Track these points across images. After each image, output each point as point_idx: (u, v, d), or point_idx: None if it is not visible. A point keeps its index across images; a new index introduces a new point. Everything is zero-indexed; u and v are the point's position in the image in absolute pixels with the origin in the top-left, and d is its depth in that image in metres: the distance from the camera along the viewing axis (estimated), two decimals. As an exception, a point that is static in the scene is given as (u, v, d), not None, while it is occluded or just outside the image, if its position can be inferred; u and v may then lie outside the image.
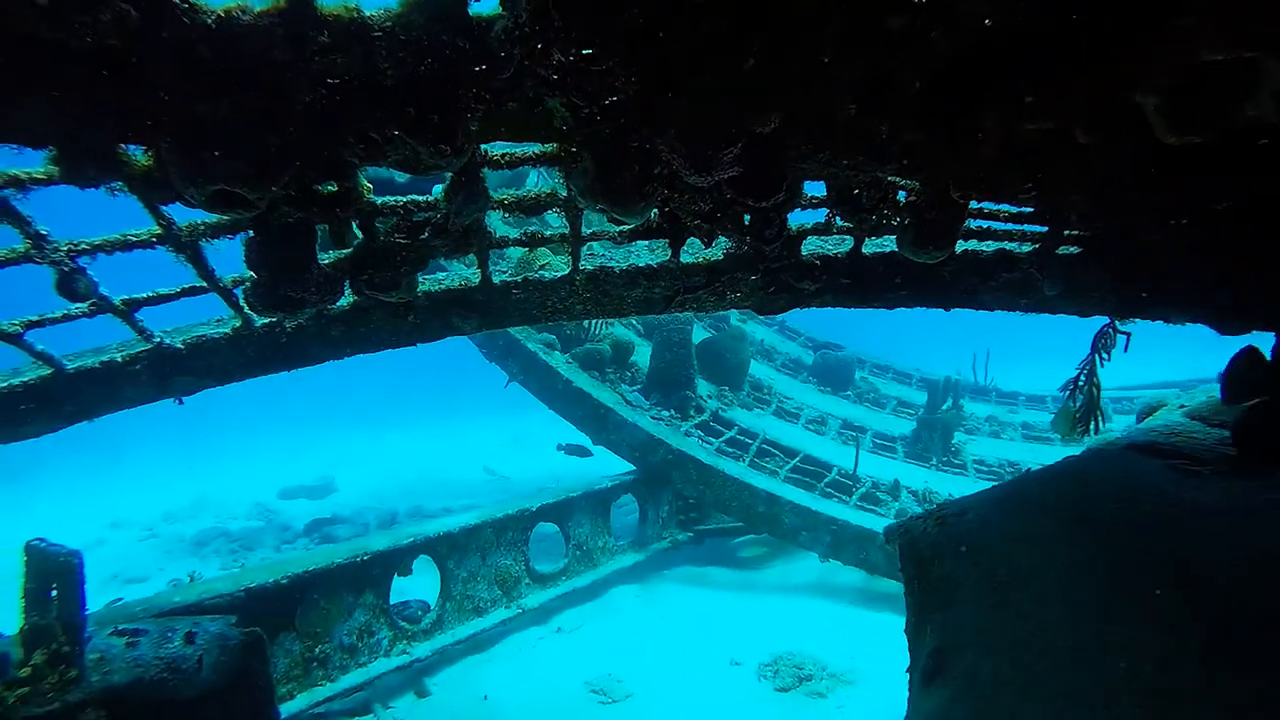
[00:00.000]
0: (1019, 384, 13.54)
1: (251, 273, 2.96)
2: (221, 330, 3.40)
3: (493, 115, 2.38)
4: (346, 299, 3.40)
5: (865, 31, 2.01)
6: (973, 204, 3.09)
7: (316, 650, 4.99)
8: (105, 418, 3.57)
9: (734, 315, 12.57)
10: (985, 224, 3.23)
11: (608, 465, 8.34)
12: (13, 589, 3.12)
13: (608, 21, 2.00)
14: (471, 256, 3.40)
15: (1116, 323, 3.41)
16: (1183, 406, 3.54)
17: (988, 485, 8.80)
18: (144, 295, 3.05)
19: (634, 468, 7.99)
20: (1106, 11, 1.85)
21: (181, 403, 3.52)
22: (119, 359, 3.25)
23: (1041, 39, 2.03)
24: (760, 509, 7.36)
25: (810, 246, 3.48)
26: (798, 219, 3.26)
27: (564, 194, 2.96)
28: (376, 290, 3.11)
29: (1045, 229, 3.08)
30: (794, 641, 5.84)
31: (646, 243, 3.65)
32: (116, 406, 3.38)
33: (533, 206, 2.97)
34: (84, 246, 2.67)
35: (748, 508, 7.42)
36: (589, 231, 3.23)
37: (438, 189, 2.93)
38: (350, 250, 3.02)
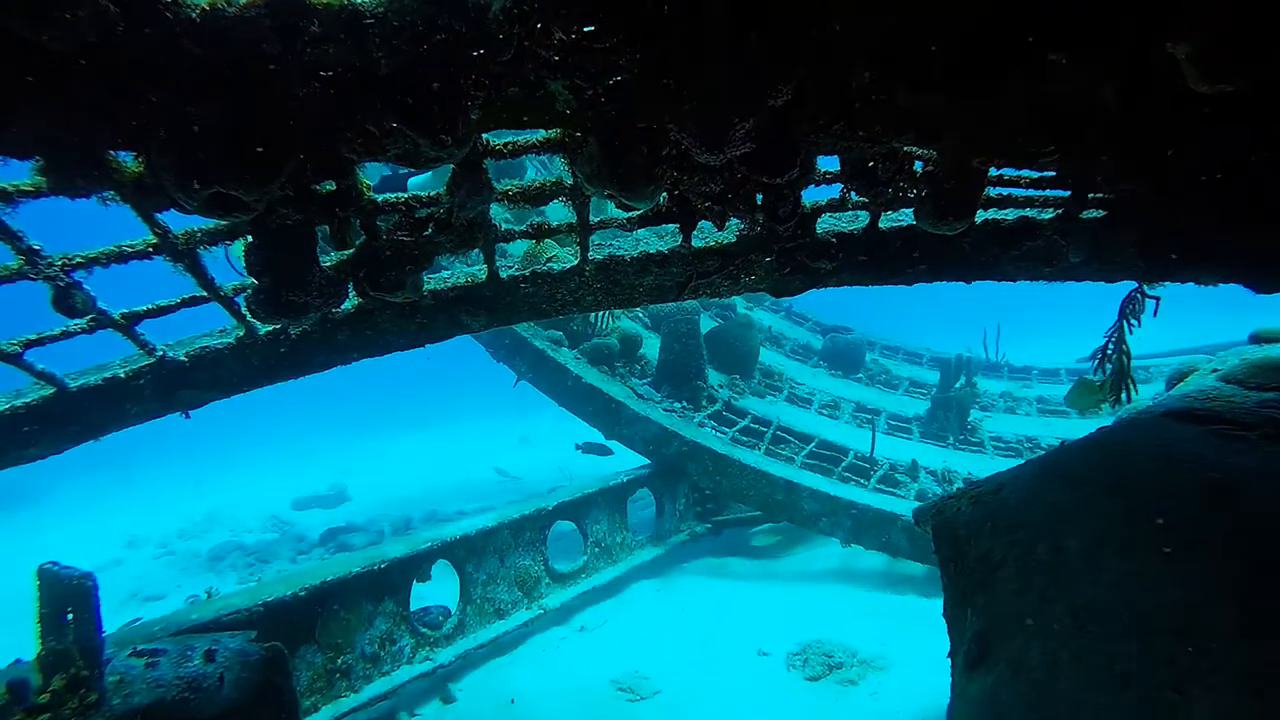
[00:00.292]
0: (1028, 359, 13.41)
1: (252, 279, 2.88)
2: (225, 340, 3.32)
3: (493, 102, 2.29)
4: (351, 302, 3.32)
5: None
6: (991, 171, 3.00)
7: (339, 661, 4.92)
8: (112, 436, 3.50)
9: (740, 303, 12.47)
10: (1005, 191, 3.12)
11: (621, 460, 8.27)
12: (30, 613, 3.06)
13: (611, -8, 1.90)
14: (475, 255, 3.31)
15: (1144, 287, 3.30)
16: (1215, 371, 3.43)
17: (1007, 462, 8.72)
18: (144, 308, 2.97)
19: (648, 461, 7.91)
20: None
21: (188, 417, 3.44)
22: (122, 375, 3.17)
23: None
24: (779, 497, 7.27)
25: (824, 225, 3.38)
26: (811, 196, 3.17)
27: (570, 181, 2.86)
28: (381, 291, 3.02)
29: (1069, 193, 2.97)
30: (821, 629, 5.76)
31: (654, 230, 3.57)
32: (122, 424, 3.31)
33: (538, 196, 2.88)
34: (78, 260, 2.59)
35: (766, 496, 7.34)
36: (596, 220, 3.14)
37: (415, 181, 2.84)
38: (352, 251, 2.93)
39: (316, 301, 2.88)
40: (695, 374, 8.69)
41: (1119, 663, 1.89)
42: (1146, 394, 4.20)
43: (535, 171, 8.59)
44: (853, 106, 2.50)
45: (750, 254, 3.30)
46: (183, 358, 3.24)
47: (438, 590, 6.24)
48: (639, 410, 7.79)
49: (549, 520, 6.64)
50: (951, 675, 2.83)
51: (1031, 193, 3.05)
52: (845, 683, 4.95)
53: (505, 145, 2.68)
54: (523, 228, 3.10)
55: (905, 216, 3.41)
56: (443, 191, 2.80)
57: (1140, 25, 2.03)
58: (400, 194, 2.84)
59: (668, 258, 3.28)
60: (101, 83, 1.87)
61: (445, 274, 3.45)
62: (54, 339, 2.92)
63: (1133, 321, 3.36)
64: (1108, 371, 3.54)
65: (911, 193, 3.02)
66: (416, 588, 5.52)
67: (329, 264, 2.92)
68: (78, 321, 2.84)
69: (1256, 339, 3.61)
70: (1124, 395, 3.48)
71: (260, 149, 2.17)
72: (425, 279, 3.29)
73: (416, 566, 5.51)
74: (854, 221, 3.45)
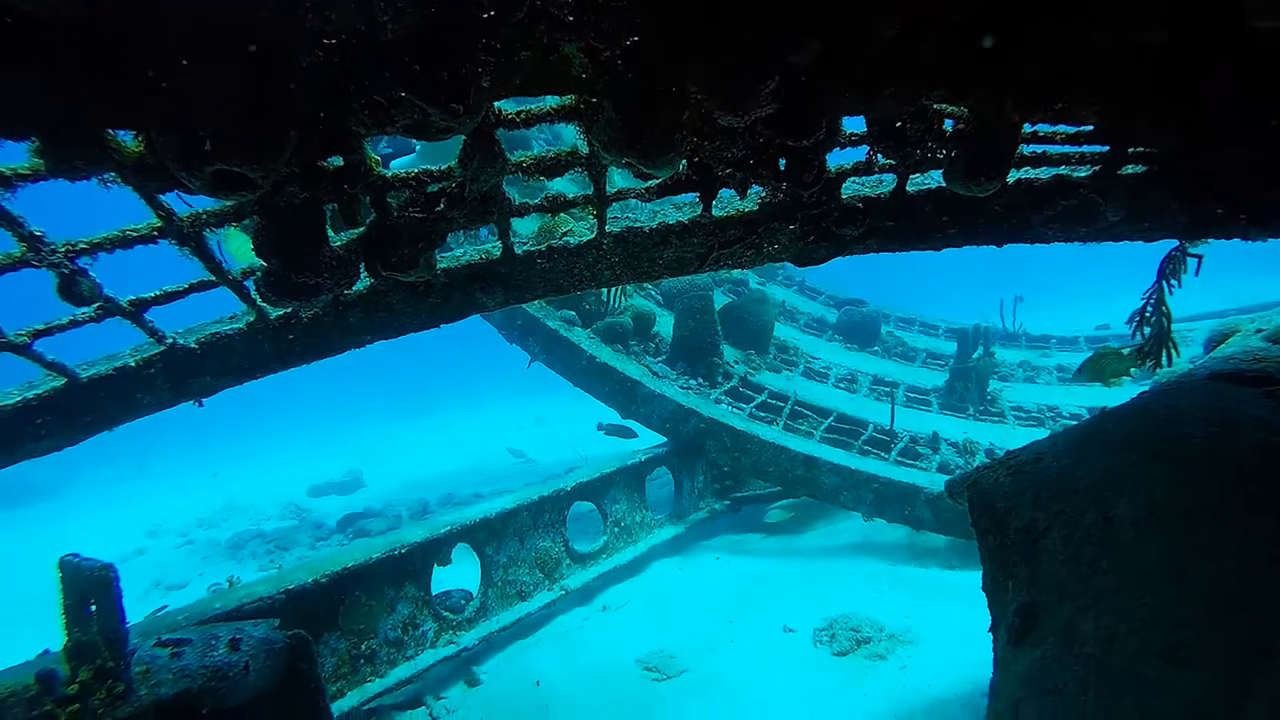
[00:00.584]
0: (1044, 328, 13.22)
1: (261, 261, 2.80)
2: (236, 326, 3.25)
3: (505, 68, 2.18)
4: (362, 283, 3.24)
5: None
6: (1024, 129, 2.86)
7: (362, 647, 4.91)
8: (128, 427, 3.45)
9: (752, 278, 12.33)
10: (1039, 149, 2.99)
11: (638, 440, 8.21)
12: (55, 604, 3.03)
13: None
14: (483, 235, 3.23)
15: (1185, 245, 3.17)
16: (1259, 331, 3.30)
17: (1029, 432, 8.60)
18: (152, 294, 2.90)
19: (665, 440, 7.84)
20: None
21: (201, 405, 3.38)
22: (133, 364, 3.11)
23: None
24: (799, 472, 7.19)
25: (849, 190, 3.26)
26: (835, 160, 3.04)
27: (585, 151, 2.75)
28: (394, 270, 2.93)
29: (1108, 148, 2.84)
30: (846, 604, 5.70)
31: (672, 201, 3.46)
32: (135, 414, 3.25)
33: (553, 167, 2.77)
34: (82, 246, 2.51)
35: (785, 472, 7.26)
36: (613, 191, 3.03)
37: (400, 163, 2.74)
38: (363, 229, 2.84)
39: (328, 283, 2.80)
40: (710, 350, 8.59)
41: (1183, 635, 1.80)
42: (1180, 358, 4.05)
43: (538, 147, 8.44)
44: (881, 62, 2.38)
45: (773, 222, 3.19)
46: (193, 345, 3.17)
47: (458, 574, 6.22)
48: (655, 388, 7.71)
49: (568, 501, 6.60)
50: (994, 649, 2.75)
51: (1068, 149, 2.92)
52: (874, 657, 4.89)
53: (518, 114, 2.57)
54: (537, 201, 3.00)
55: (933, 179, 3.29)
56: (454, 165, 2.71)
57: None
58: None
59: (688, 228, 3.17)
60: (90, 55, 1.77)
61: (457, 252, 3.36)
62: (62, 328, 2.85)
63: (1173, 282, 3.23)
64: (1145, 335, 3.41)
65: (941, 153, 2.89)
66: (437, 572, 5.49)
67: (339, 243, 2.84)
68: (85, 310, 2.77)
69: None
70: (1164, 359, 3.36)
71: (263, 123, 2.07)
72: (438, 258, 3.20)
73: (437, 550, 5.48)
74: (879, 186, 3.33)
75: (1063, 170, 3.04)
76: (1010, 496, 2.78)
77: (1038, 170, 3.08)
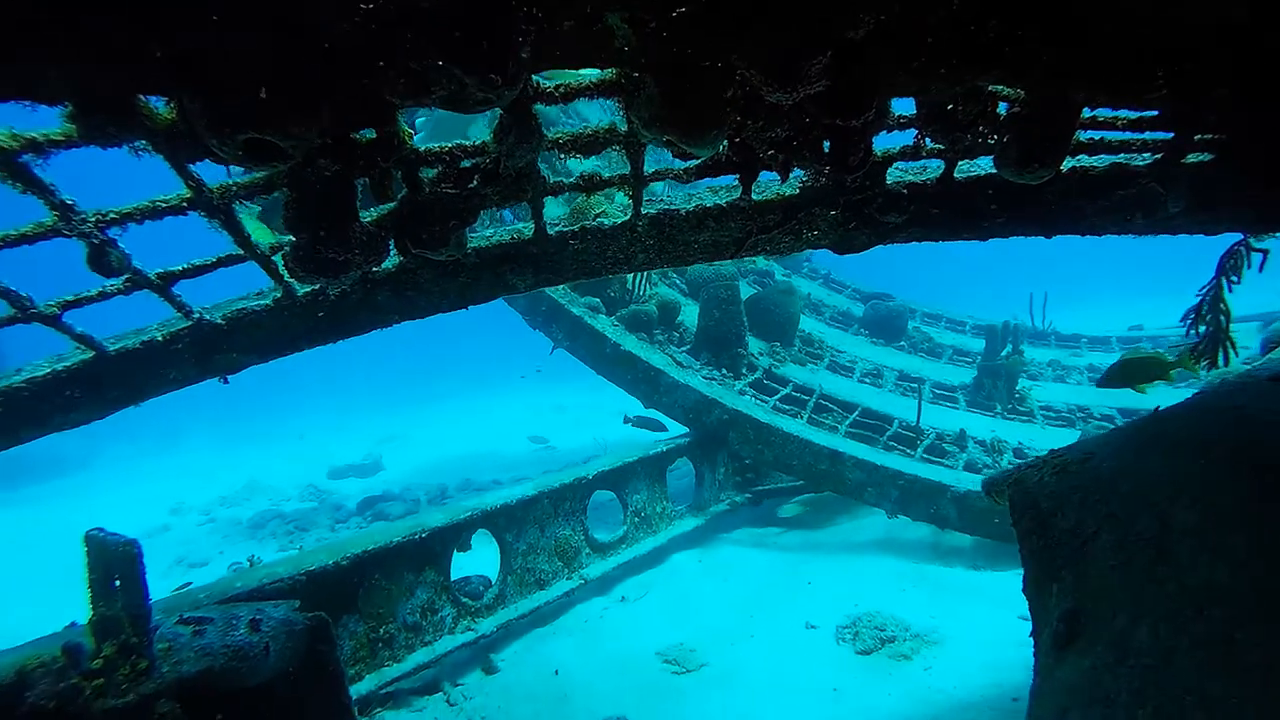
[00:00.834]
0: (1075, 328, 12.95)
1: (290, 235, 2.75)
2: (263, 302, 3.21)
3: (545, 38, 2.09)
4: (391, 260, 3.18)
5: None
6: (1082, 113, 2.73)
7: (381, 631, 4.89)
8: (153, 404, 3.43)
9: (778, 269, 12.19)
10: (1096, 135, 2.86)
11: (664, 432, 8.13)
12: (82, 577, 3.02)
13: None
14: (506, 216, 3.14)
15: (1250, 239, 3.02)
16: (1322, 331, 3.15)
17: (1059, 431, 8.42)
18: (180, 268, 2.86)
19: (687, 430, 7.75)
20: None
21: (226, 382, 3.35)
22: (160, 338, 3.08)
23: None
24: (823, 467, 7.08)
25: (892, 176, 3.14)
26: (881, 144, 2.93)
27: (624, 129, 2.67)
28: (424, 248, 2.86)
29: (1172, 134, 2.70)
30: (869, 601, 5.60)
31: (709, 185, 3.37)
32: (161, 389, 3.22)
33: (590, 144, 2.69)
34: (112, 216, 2.46)
35: (809, 466, 7.15)
36: (650, 171, 2.94)
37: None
38: (394, 205, 2.78)
39: (357, 259, 2.74)
40: (735, 341, 8.48)
41: (1257, 655, 1.69)
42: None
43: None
44: (939, 39, 2.27)
45: (814, 207, 3.08)
46: (220, 320, 3.14)
47: (477, 560, 6.20)
48: (678, 378, 7.62)
49: (589, 489, 6.54)
50: (1035, 654, 2.64)
51: (1128, 135, 2.78)
52: (898, 657, 4.79)
53: (556, 88, 2.49)
54: (573, 179, 2.91)
55: (980, 166, 3.16)
56: (489, 140, 2.63)
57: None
58: None
59: (726, 212, 3.08)
60: (123, 17, 1.71)
61: (487, 232, 3.29)
62: (91, 300, 2.82)
63: (1233, 278, 3.09)
64: (1201, 333, 3.27)
65: (992, 138, 2.77)
66: (456, 557, 5.46)
67: (369, 219, 2.78)
68: (114, 282, 2.74)
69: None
70: (1220, 359, 3.22)
71: (297, 91, 2.01)
72: (468, 236, 3.14)
73: (457, 535, 5.45)
74: (922, 173, 3.22)
75: (1121, 158, 2.90)
76: (1056, 496, 2.67)
77: (1095, 158, 2.95)
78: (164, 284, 2.83)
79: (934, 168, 3.16)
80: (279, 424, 28.55)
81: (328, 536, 10.69)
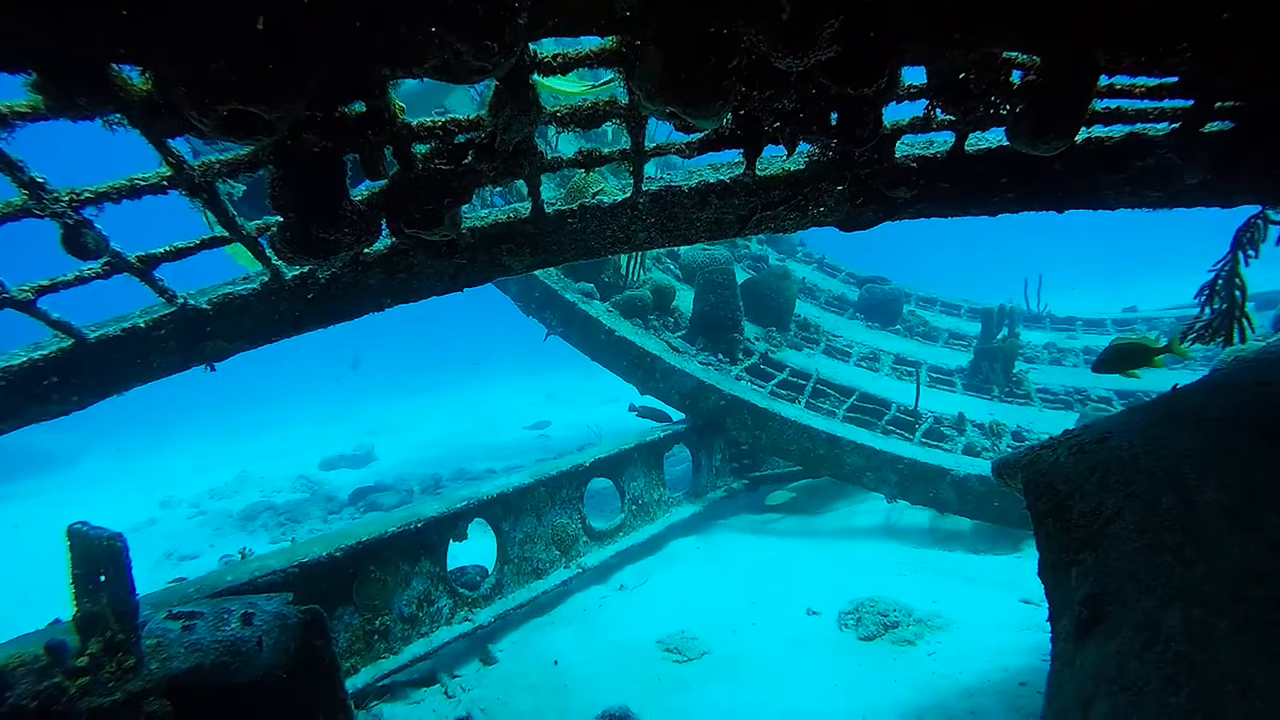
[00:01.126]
0: (1069, 311, 12.93)
1: (277, 215, 2.63)
2: (250, 287, 3.08)
3: (543, 4, 1.98)
4: (383, 242, 3.06)
5: None
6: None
7: (376, 623, 4.80)
8: (140, 397, 3.31)
9: (772, 253, 12.10)
10: (1112, 104, 2.77)
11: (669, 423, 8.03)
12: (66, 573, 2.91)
13: None
14: (491, 197, 3.03)
15: (1269, 212, 2.94)
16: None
17: (1056, 414, 8.39)
18: (161, 250, 2.73)
19: (684, 416, 7.67)
20: None
21: (213, 369, 3.23)
22: (142, 324, 2.96)
23: None
24: (821, 451, 7.02)
25: (900, 150, 3.05)
26: (889, 116, 2.83)
27: (625, 100, 2.55)
28: (417, 228, 2.75)
29: (1191, 102, 2.61)
30: (870, 587, 5.55)
31: (710, 163, 3.26)
32: (145, 378, 3.10)
33: (590, 117, 2.57)
34: (87, 195, 2.33)
35: (807, 451, 7.08)
36: (652, 146, 2.83)
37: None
38: (385, 182, 2.66)
39: (347, 239, 2.62)
40: (731, 326, 8.39)
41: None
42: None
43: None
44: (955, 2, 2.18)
45: (820, 182, 2.99)
46: (205, 305, 3.01)
47: (473, 549, 6.10)
48: (675, 364, 7.53)
49: (586, 477, 6.45)
50: (1053, 640, 2.57)
51: (1145, 104, 2.69)
52: (902, 642, 4.74)
53: (554, 58, 2.37)
54: (572, 155, 2.80)
55: (989, 138, 3.07)
56: (485, 113, 2.51)
57: None
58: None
59: (729, 188, 2.98)
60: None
61: (483, 212, 3.18)
62: (68, 284, 2.69)
63: (1250, 252, 3.01)
64: (1215, 308, 3.19)
65: (1005, 109, 2.68)
66: (451, 547, 5.36)
67: (360, 197, 2.66)
68: (92, 265, 2.61)
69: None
70: (1236, 336, 3.14)
71: (282, 60, 1.89)
72: (463, 216, 3.02)
73: (453, 525, 5.35)
74: (928, 148, 3.12)
75: (1138, 128, 2.81)
76: (1073, 478, 2.60)
77: (1110, 128, 2.86)
78: (145, 267, 2.70)
79: (940, 141, 3.07)
80: (269, 415, 28.32)
81: (320, 528, 10.57)
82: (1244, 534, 1.89)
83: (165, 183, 2.41)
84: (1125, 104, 2.74)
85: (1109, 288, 25.91)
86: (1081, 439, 2.72)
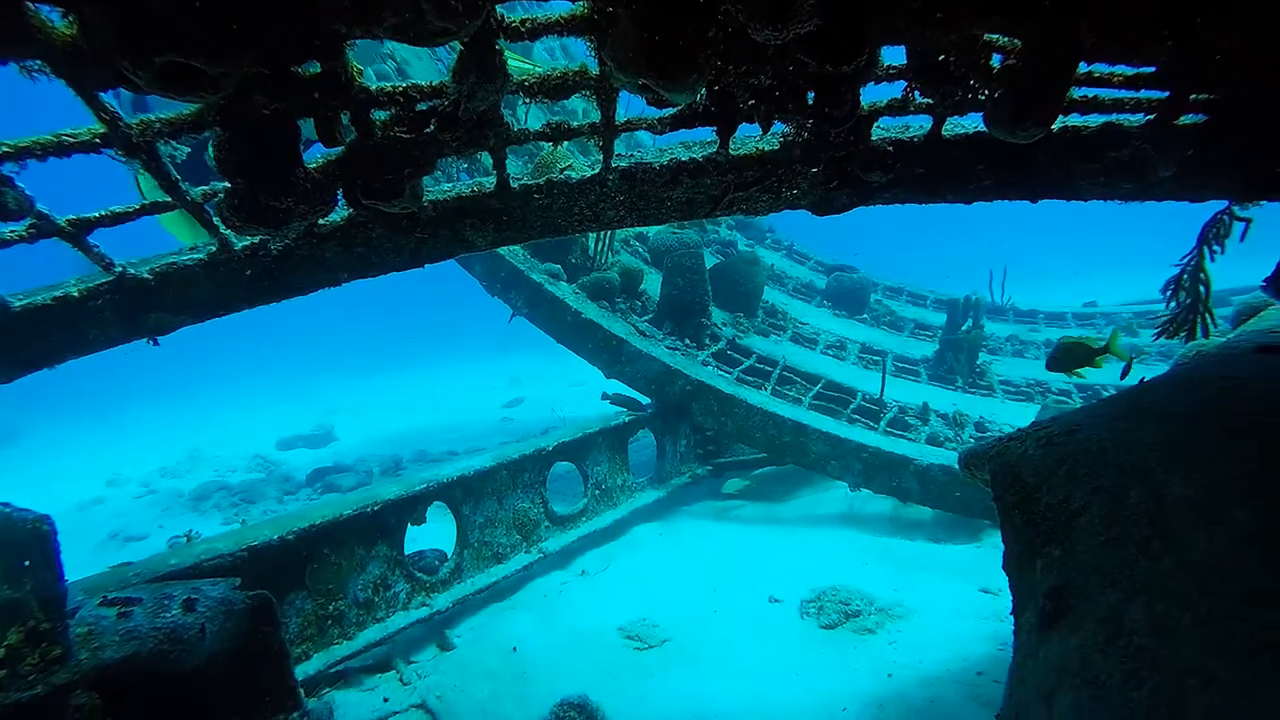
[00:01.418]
0: (1031, 303, 13.13)
1: (225, 181, 2.48)
2: (196, 257, 2.92)
3: (511, -40, 1.84)
4: (340, 213, 2.91)
5: None
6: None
7: (330, 608, 4.66)
8: (89, 370, 3.12)
9: (740, 239, 12.05)
10: (1089, 93, 2.73)
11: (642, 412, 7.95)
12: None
13: None
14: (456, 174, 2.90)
15: (1234, 208, 2.95)
16: (1298, 304, 3.12)
17: (1018, 406, 8.50)
18: (96, 214, 2.55)
19: (649, 401, 7.60)
20: None
21: (156, 344, 3.05)
22: (76, 294, 2.77)
23: None
24: (786, 439, 7.01)
25: (876, 133, 2.99)
26: (867, 97, 2.76)
27: (595, 71, 2.44)
28: (375, 199, 2.61)
29: (1166, 94, 2.59)
30: (833, 575, 5.56)
31: (682, 142, 3.17)
32: (81, 350, 2.91)
33: (559, 87, 2.46)
34: (5, 149, 2.15)
35: (773, 438, 7.07)
36: (623, 120, 2.72)
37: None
38: (342, 149, 2.52)
39: (300, 209, 2.48)
40: (699, 310, 8.33)
41: (1264, 631, 1.60)
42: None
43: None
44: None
45: (795, 163, 2.91)
46: (147, 275, 2.84)
47: (432, 533, 5.98)
48: (641, 348, 7.44)
49: (549, 461, 6.36)
50: (1015, 632, 2.56)
51: (1122, 94, 2.66)
52: (863, 631, 4.76)
53: (522, 22, 2.25)
54: (539, 128, 2.68)
55: (967, 123, 3.03)
56: (448, 79, 2.38)
57: None
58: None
59: (702, 166, 2.89)
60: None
61: (446, 186, 3.04)
62: (-11, 248, 2.50)
63: (1215, 247, 3.02)
64: (1181, 302, 3.20)
65: (984, 93, 2.63)
66: (410, 531, 5.24)
67: (315, 165, 2.51)
68: (14, 227, 2.43)
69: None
70: (1199, 331, 3.16)
71: (227, 8, 1.75)
72: (424, 188, 2.89)
73: (412, 508, 5.22)
74: (905, 131, 3.07)
75: (1115, 118, 2.79)
76: (1041, 470, 2.58)
77: (1087, 117, 2.83)
78: (77, 231, 2.52)
79: (915, 125, 3.01)
80: (223, 392, 27.60)
81: (275, 509, 10.31)
82: (1209, 528, 1.88)
83: (98, 140, 2.24)
84: (1102, 93, 2.71)
85: (1070, 283, 26.49)
86: (1050, 431, 2.71)
